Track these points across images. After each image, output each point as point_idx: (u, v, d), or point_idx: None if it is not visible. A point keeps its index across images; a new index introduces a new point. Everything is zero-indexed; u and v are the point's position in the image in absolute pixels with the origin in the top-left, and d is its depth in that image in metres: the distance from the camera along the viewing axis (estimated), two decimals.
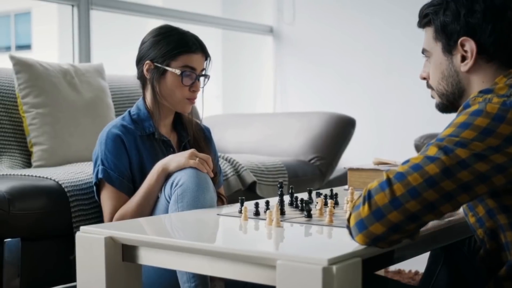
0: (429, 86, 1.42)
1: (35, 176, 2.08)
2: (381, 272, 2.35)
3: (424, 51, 1.40)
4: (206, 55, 2.02)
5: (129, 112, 2.04)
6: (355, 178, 2.17)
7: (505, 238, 1.23)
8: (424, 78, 1.42)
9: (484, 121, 1.15)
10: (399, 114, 4.23)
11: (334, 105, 4.23)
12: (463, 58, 1.31)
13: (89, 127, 2.56)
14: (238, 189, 2.56)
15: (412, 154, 3.20)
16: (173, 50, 1.96)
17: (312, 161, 3.05)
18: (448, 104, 1.37)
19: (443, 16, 1.31)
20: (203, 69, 2.02)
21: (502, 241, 1.24)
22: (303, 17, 4.61)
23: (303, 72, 4.63)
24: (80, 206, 2.00)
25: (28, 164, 2.44)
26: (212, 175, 1.86)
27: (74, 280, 1.98)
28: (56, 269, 2.00)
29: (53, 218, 1.97)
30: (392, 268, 2.93)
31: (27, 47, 9.48)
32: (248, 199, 1.78)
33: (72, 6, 3.28)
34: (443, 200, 1.14)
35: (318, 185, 2.98)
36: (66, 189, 1.99)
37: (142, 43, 2.03)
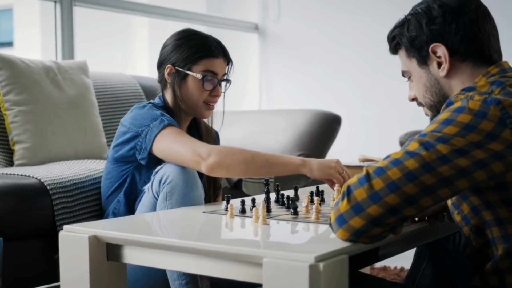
0: (419, 104, 1.44)
1: (17, 174, 2.05)
2: (366, 269, 2.35)
3: (404, 73, 1.44)
4: (228, 60, 2.00)
5: (154, 103, 1.98)
6: None
7: (491, 234, 1.24)
8: (413, 99, 1.45)
9: (466, 117, 1.17)
10: (384, 111, 4.24)
11: (320, 102, 4.23)
12: (439, 65, 1.34)
13: (73, 125, 2.53)
14: (224, 187, 2.54)
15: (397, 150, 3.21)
16: (195, 54, 1.93)
17: None
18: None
19: (408, 33, 1.36)
20: (225, 73, 2.00)
21: (488, 236, 1.25)
22: (288, 14, 4.61)
23: (289, 69, 4.62)
24: (63, 204, 1.98)
25: (10, 163, 2.41)
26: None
27: (58, 279, 1.96)
28: (40, 268, 1.98)
29: (36, 217, 1.94)
30: (378, 264, 2.93)
31: (9, 44, 9.38)
32: (234, 197, 1.76)
33: (55, 2, 3.25)
34: (423, 193, 1.14)
35: (304, 182, 2.97)
36: (48, 187, 1.97)
37: (164, 46, 2.00)
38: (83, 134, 2.56)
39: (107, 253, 1.43)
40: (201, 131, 2.08)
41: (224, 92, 2.03)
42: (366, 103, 4.30)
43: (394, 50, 1.43)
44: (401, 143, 3.12)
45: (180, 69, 1.94)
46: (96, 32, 3.78)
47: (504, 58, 1.36)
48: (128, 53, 4.04)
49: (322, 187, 1.85)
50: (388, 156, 1.19)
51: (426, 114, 1.44)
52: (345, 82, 4.37)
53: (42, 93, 2.48)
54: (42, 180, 1.98)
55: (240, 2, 4.88)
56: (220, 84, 1.98)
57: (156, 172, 1.80)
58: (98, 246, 1.41)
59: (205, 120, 2.11)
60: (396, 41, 1.40)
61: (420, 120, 3.86)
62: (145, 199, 1.83)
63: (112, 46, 3.90)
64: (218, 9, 4.68)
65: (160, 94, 2.02)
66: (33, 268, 1.97)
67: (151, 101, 1.99)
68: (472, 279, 1.27)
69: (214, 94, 1.97)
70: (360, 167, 2.13)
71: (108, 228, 1.46)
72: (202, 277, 1.80)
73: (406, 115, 4.09)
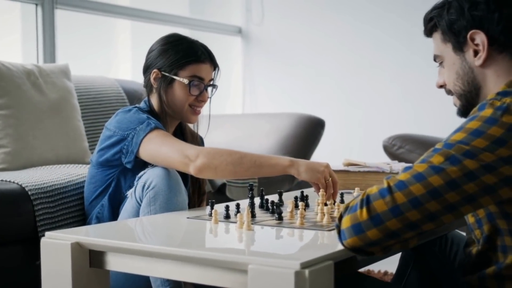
0: (448, 91, 1.39)
1: None
2: None
3: (436, 57, 1.38)
4: (214, 65, 1.99)
5: (140, 107, 1.97)
6: None
7: (502, 242, 1.22)
8: (441, 86, 1.40)
9: (498, 130, 1.12)
10: (368, 115, 4.25)
11: (303, 106, 4.24)
12: (476, 53, 1.28)
13: (54, 129, 2.50)
14: (208, 191, 2.52)
15: (381, 155, 3.22)
16: (182, 59, 1.92)
17: None
18: (468, 105, 1.33)
19: (448, 16, 1.30)
20: (211, 79, 1.99)
21: (497, 243, 1.23)
22: (272, 17, 4.61)
23: (272, 72, 4.62)
24: (45, 210, 1.95)
25: None
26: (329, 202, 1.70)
27: (39, 286, 1.93)
28: (21, 275, 1.95)
29: (17, 223, 1.92)
30: (361, 269, 2.93)
31: None
32: (218, 202, 1.75)
33: (36, 5, 3.21)
34: (445, 210, 1.12)
35: (288, 186, 2.97)
36: (30, 193, 1.94)
37: (150, 51, 1.99)
38: (65, 138, 2.53)
39: (90, 259, 1.41)
40: (186, 136, 2.07)
41: (210, 98, 2.02)
42: (350, 106, 4.31)
43: (429, 32, 1.37)
44: (385, 147, 3.12)
45: (167, 74, 1.93)
46: (78, 35, 3.75)
47: None
48: (110, 57, 4.01)
49: (306, 191, 1.85)
50: (409, 167, 1.15)
51: (455, 104, 1.37)
52: (329, 85, 4.38)
53: (23, 97, 2.45)
54: (24, 186, 1.96)
55: (223, 5, 4.87)
56: (206, 90, 1.97)
57: (139, 177, 1.79)
58: (80, 253, 1.39)
59: (190, 126, 2.10)
60: (433, 22, 1.34)
61: (403, 124, 3.89)
62: (128, 205, 1.81)
63: (94, 49, 3.86)
64: (201, 12, 4.66)
65: (146, 98, 2.00)
66: (14, 275, 1.94)
67: (137, 105, 1.98)
68: (469, 277, 1.27)
69: (200, 99, 1.96)
70: (345, 171, 2.13)
71: (91, 235, 1.44)
72: (186, 282, 1.78)
73: (390, 119, 4.11)
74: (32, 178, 2.03)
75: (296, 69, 4.51)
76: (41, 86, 2.54)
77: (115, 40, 4.01)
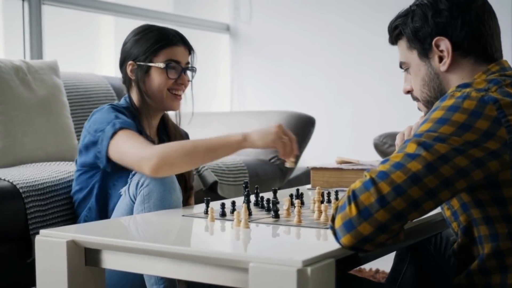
0: (414, 98, 1.42)
1: None
2: None
3: (401, 64, 1.42)
4: (189, 48, 1.97)
5: (115, 104, 1.94)
6: (318, 178, 2.16)
7: (478, 232, 1.24)
8: (408, 92, 1.43)
9: (461, 116, 1.16)
10: (358, 113, 4.26)
11: (292, 104, 4.23)
12: (441, 59, 1.32)
13: (43, 126, 2.47)
14: (199, 189, 2.51)
15: (372, 153, 3.22)
16: (154, 45, 1.90)
17: (272, 160, 3.03)
18: None
19: (412, 23, 1.34)
20: (188, 62, 1.97)
21: (475, 235, 1.25)
22: (260, 15, 4.60)
23: (261, 70, 4.61)
24: (37, 207, 1.93)
25: None
26: (293, 165, 1.74)
27: (31, 284, 1.91)
28: (12, 273, 1.92)
29: (8, 221, 1.89)
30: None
31: None
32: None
33: (23, 1, 3.17)
34: (427, 197, 1.14)
35: (278, 184, 2.97)
36: (21, 190, 1.91)
37: (123, 45, 1.97)
38: (54, 135, 2.50)
39: (85, 258, 1.39)
40: (169, 130, 2.05)
41: (191, 81, 1.99)
42: (339, 105, 4.31)
43: (394, 40, 1.41)
44: (375, 145, 3.13)
45: (142, 63, 1.91)
46: (61, 31, 3.71)
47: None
48: (93, 53, 3.97)
49: (301, 189, 1.84)
50: (387, 160, 1.18)
51: (419, 109, 1.42)
52: (318, 83, 4.37)
53: (11, 94, 2.41)
54: (15, 183, 1.93)
55: (211, 2, 4.84)
56: (184, 72, 1.95)
57: (133, 175, 1.77)
58: (76, 251, 1.38)
59: (173, 120, 2.08)
60: (398, 30, 1.38)
61: (394, 122, 3.89)
62: (122, 202, 1.79)
63: (78, 46, 3.82)
64: (186, 8, 4.62)
65: (126, 95, 1.98)
66: (6, 273, 1.91)
67: (112, 103, 1.96)
68: (458, 277, 1.28)
69: (180, 82, 1.94)
70: (338, 169, 2.13)
71: (86, 233, 1.42)
72: (180, 281, 1.77)
73: (379, 117, 4.12)
74: (22, 175, 2.00)
75: (285, 67, 4.50)
76: (29, 82, 2.50)
77: (99, 36, 3.97)
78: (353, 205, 1.14)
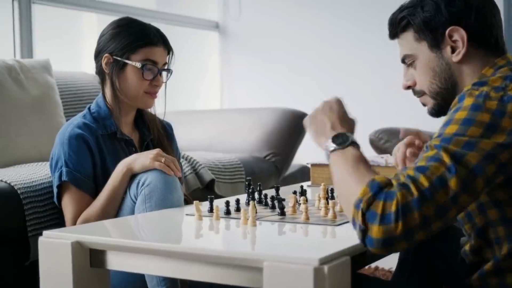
0: (417, 92, 1.38)
1: None
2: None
3: (405, 58, 1.37)
4: (168, 49, 1.94)
5: (89, 109, 1.94)
6: (318, 174, 2.15)
7: (495, 234, 1.22)
8: (408, 87, 1.39)
9: (486, 116, 1.13)
10: (352, 108, 4.23)
11: (283, 100, 4.21)
12: (453, 49, 1.29)
13: (37, 125, 2.43)
14: (196, 188, 2.49)
15: (367, 148, 3.21)
16: (134, 42, 1.87)
17: (268, 158, 3.01)
18: (443, 104, 1.33)
19: (423, 13, 1.30)
20: (165, 63, 1.94)
21: (491, 236, 1.23)
22: (249, 12, 4.57)
23: (251, 67, 4.59)
24: (35, 209, 1.89)
25: None
26: (179, 175, 1.79)
27: (31, 287, 1.87)
28: (11, 276, 1.88)
29: (6, 222, 1.85)
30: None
31: None
32: (205, 199, 1.70)
33: (13, 0, 3.12)
34: (452, 204, 1.09)
35: (274, 181, 2.95)
36: (19, 191, 1.88)
37: (101, 35, 1.94)
38: (48, 135, 2.46)
39: (90, 259, 1.36)
40: (145, 121, 2.01)
41: (166, 82, 1.97)
42: None
43: (399, 32, 1.36)
44: (371, 141, 3.11)
45: (118, 59, 1.88)
46: (47, 29, 3.66)
47: None
48: (77, 51, 3.92)
49: (305, 186, 1.82)
50: (423, 169, 1.09)
51: (424, 104, 1.38)
52: (309, 79, 4.36)
53: (4, 93, 2.37)
54: (12, 184, 1.89)
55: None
56: (160, 74, 1.92)
57: (135, 175, 1.76)
58: (81, 252, 1.35)
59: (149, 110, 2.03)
60: (405, 22, 1.33)
61: (389, 118, 3.89)
62: (125, 204, 1.77)
63: (61, 44, 3.77)
64: (170, 5, 4.54)
65: (100, 94, 1.95)
66: (4, 276, 1.87)
67: (89, 105, 1.94)
68: (470, 279, 1.26)
69: (154, 84, 1.91)
70: None
71: (91, 233, 1.40)
72: (182, 281, 1.75)
73: (371, 113, 4.11)
74: (19, 176, 1.97)
75: (275, 64, 4.48)
76: (22, 82, 2.46)
77: (83, 34, 3.93)
78: (400, 224, 1.05)
